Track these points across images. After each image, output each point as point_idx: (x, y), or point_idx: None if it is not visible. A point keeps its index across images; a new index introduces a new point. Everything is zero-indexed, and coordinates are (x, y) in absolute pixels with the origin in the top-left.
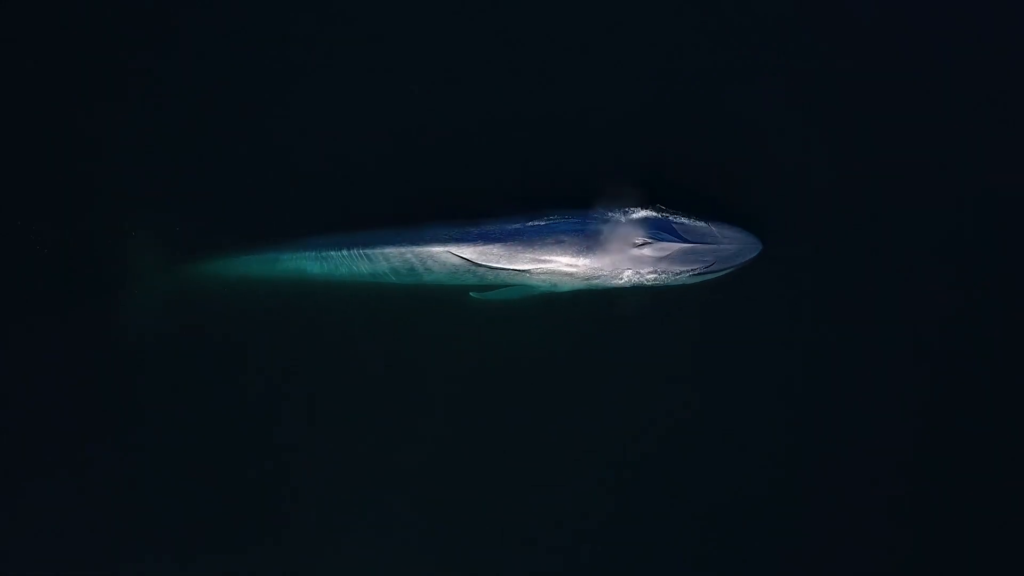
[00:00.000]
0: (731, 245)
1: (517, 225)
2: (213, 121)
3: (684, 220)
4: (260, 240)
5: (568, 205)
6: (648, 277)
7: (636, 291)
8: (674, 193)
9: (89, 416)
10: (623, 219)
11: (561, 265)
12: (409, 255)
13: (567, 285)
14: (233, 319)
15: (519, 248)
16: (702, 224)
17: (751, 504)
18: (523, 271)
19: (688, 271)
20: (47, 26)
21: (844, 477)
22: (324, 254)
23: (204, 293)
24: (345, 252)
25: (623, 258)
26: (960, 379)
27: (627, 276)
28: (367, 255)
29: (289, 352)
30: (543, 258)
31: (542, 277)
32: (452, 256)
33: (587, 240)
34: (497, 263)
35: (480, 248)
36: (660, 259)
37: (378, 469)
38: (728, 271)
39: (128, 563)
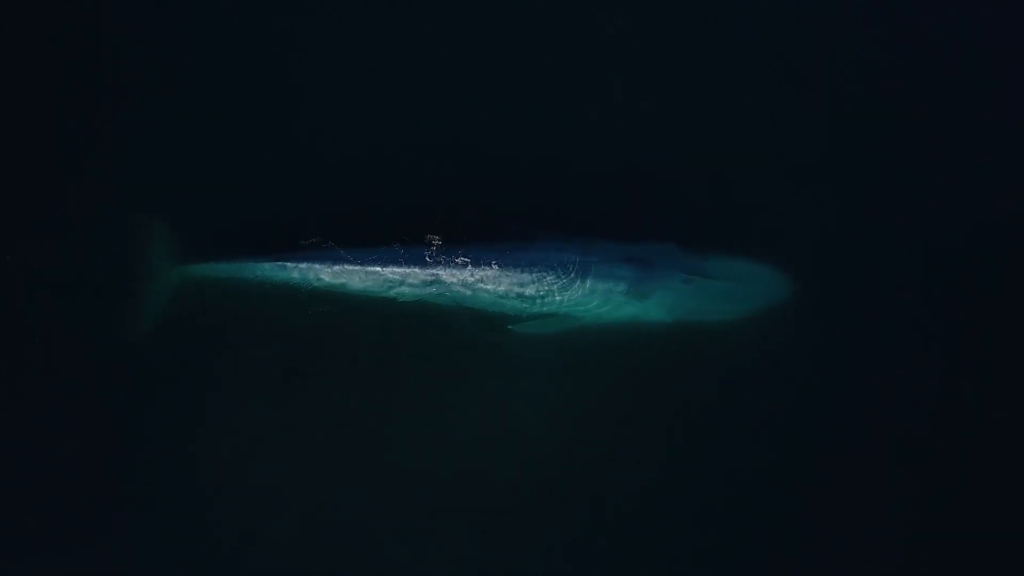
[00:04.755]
0: (762, 286)
1: (568, 252)
2: (223, 122)
3: (721, 259)
4: (275, 247)
5: (614, 235)
6: (687, 314)
7: (677, 327)
8: (707, 230)
9: (91, 415)
10: (670, 253)
11: (614, 295)
12: (449, 276)
13: (612, 316)
14: (248, 322)
15: (574, 275)
16: (737, 264)
17: (751, 504)
18: (575, 299)
19: (725, 311)
20: (46, 26)
21: (845, 478)
22: (350, 268)
23: (217, 295)
24: (372, 268)
25: (669, 293)
26: (963, 388)
27: (668, 311)
28: (407, 274)
29: (296, 356)
30: (597, 287)
31: (591, 306)
32: (497, 279)
33: (640, 272)
34: (549, 288)
35: (531, 274)
36: (702, 296)
37: (378, 470)
38: (757, 312)
39: (128, 563)
